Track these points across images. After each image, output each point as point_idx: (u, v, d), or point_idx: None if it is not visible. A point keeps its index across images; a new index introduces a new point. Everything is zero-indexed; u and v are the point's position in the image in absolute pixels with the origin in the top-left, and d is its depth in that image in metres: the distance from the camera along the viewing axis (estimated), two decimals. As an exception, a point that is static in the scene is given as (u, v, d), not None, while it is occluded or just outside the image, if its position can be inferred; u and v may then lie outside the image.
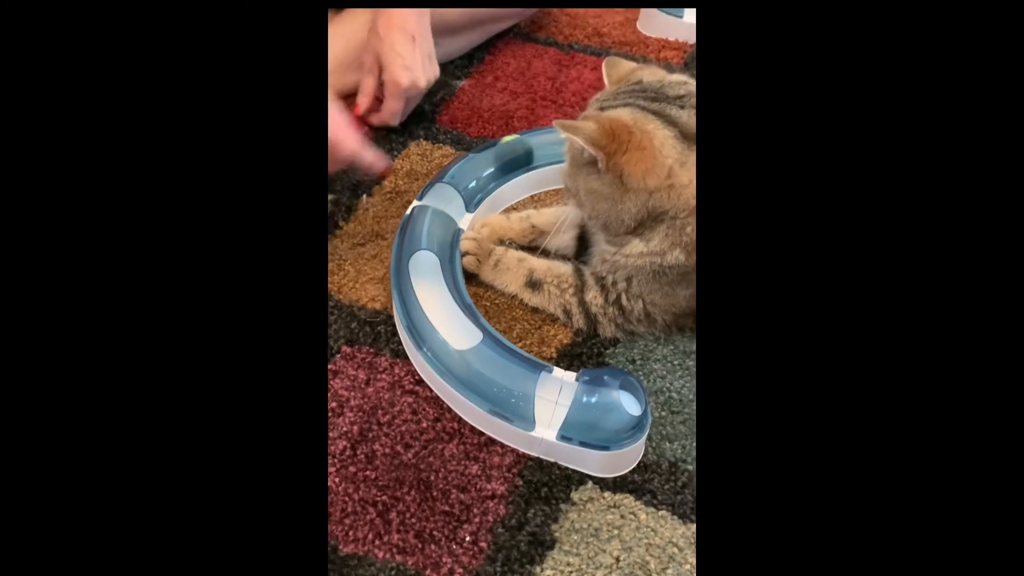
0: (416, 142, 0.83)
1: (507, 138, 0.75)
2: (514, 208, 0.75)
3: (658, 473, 0.53)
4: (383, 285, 0.67)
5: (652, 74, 0.60)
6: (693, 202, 0.53)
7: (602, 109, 0.57)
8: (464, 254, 0.66)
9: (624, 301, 0.60)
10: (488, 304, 0.66)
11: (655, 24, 1.00)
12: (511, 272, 0.65)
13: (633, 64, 0.63)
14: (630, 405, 0.50)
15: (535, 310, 0.65)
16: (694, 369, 0.60)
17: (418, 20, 0.76)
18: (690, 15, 0.98)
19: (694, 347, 0.62)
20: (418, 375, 0.59)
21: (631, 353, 0.61)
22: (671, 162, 0.53)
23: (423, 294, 0.59)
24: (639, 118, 0.54)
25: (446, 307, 0.58)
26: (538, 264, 0.65)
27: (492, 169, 0.73)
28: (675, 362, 0.61)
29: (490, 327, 0.58)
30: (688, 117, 0.54)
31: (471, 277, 0.67)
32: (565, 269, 0.64)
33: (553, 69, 0.94)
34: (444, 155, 0.81)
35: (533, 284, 0.64)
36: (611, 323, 0.61)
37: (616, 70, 0.62)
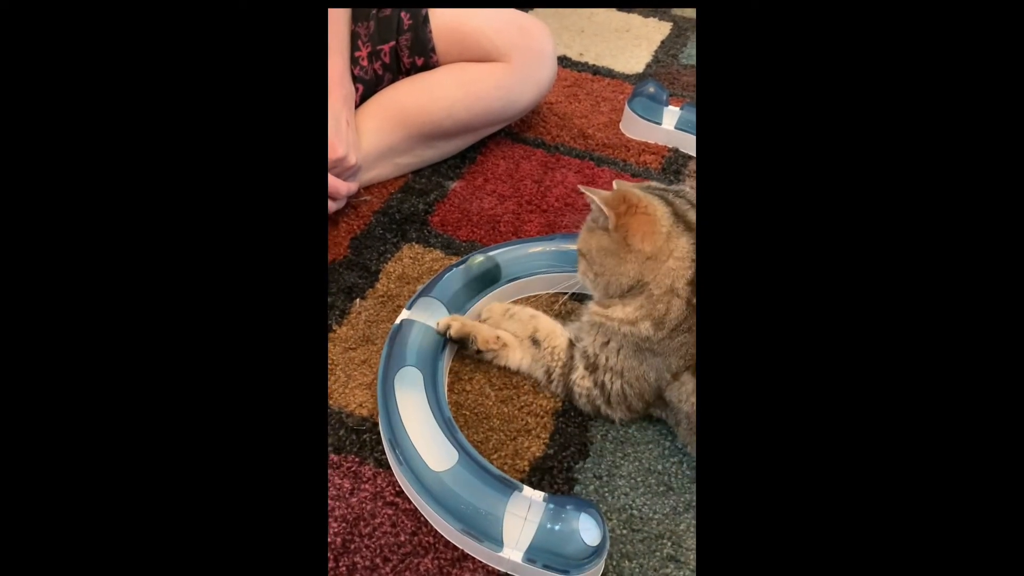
0: (409, 244, 0.89)
1: (478, 258, 0.80)
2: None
3: (617, 592, 0.58)
4: (371, 391, 0.72)
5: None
6: (668, 282, 0.61)
7: None
8: (486, 319, 0.77)
9: (607, 379, 0.67)
10: (468, 414, 0.71)
11: (637, 128, 1.06)
12: (521, 323, 0.74)
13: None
14: (589, 535, 0.55)
15: (510, 420, 0.70)
16: (656, 487, 0.64)
17: (345, 106, 0.86)
18: (669, 120, 1.05)
19: (659, 466, 0.67)
20: (399, 486, 0.64)
21: (598, 469, 0.66)
22: (666, 230, 0.62)
23: (406, 411, 0.64)
24: (645, 195, 0.65)
25: (427, 426, 0.63)
26: (544, 324, 0.74)
27: (471, 282, 0.78)
28: (639, 479, 0.65)
29: (466, 443, 0.63)
30: (681, 204, 0.65)
31: (453, 383, 0.72)
32: (562, 342, 0.72)
33: (539, 171, 1.00)
34: (434, 259, 0.87)
35: (533, 340, 0.73)
36: (589, 404, 0.69)
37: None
